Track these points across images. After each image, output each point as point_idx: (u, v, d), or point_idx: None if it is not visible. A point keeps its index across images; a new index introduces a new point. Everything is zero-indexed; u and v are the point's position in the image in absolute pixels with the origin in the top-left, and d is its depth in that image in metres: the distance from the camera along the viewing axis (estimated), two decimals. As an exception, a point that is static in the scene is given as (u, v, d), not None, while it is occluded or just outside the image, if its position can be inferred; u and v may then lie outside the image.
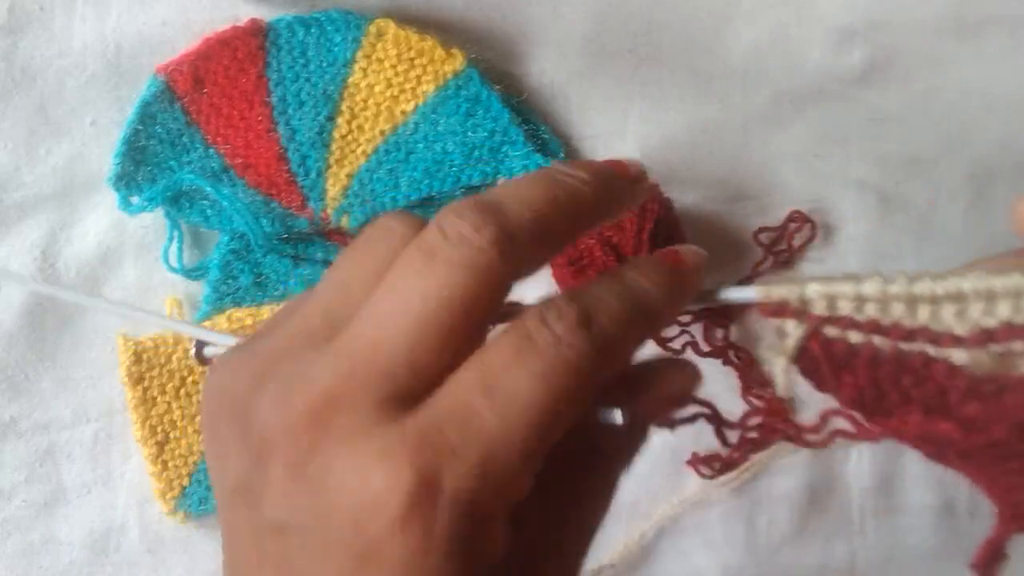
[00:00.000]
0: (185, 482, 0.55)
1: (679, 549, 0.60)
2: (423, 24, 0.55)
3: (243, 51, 0.53)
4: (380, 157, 0.55)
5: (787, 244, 0.59)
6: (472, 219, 0.27)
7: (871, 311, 0.32)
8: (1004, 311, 0.31)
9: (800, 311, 0.33)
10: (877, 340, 0.32)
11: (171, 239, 0.55)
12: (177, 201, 0.54)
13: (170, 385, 0.54)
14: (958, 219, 0.61)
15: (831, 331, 0.33)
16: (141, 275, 0.55)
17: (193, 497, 0.55)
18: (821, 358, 0.33)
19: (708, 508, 0.60)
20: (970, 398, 0.32)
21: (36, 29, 0.53)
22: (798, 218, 0.58)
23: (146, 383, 0.54)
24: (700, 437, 0.59)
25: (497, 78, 0.55)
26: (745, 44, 0.58)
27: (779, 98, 0.59)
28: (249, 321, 0.55)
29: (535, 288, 0.59)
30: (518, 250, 0.27)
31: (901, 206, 0.61)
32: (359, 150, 0.55)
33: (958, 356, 0.32)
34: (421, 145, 0.55)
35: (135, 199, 0.54)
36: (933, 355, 0.32)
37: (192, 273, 0.55)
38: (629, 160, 0.34)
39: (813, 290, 0.32)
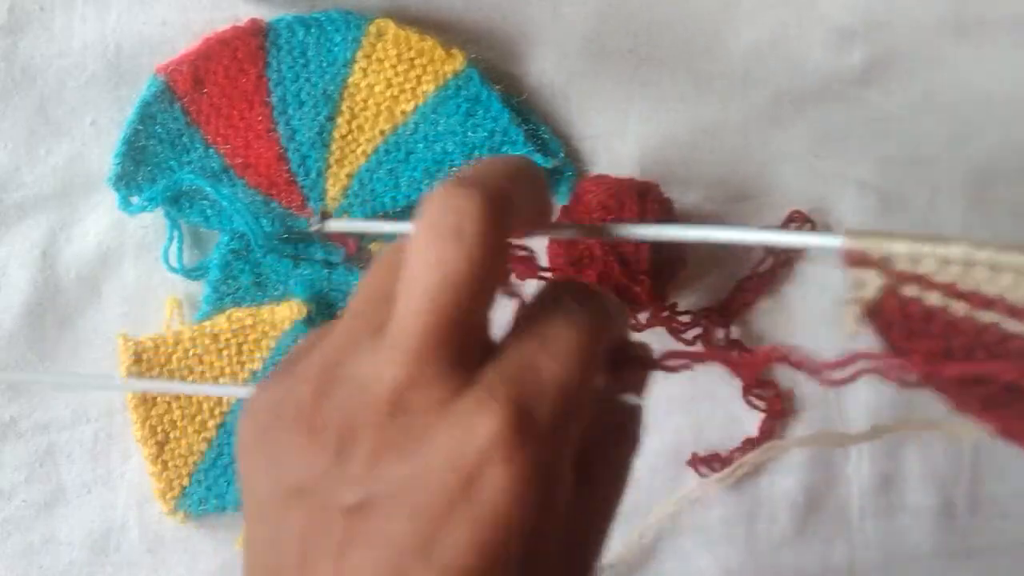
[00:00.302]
0: (185, 482, 0.55)
1: (679, 549, 0.60)
2: (423, 24, 0.55)
3: (243, 51, 0.53)
4: (380, 157, 0.55)
5: None
6: (459, 190, 0.30)
7: (953, 274, 0.31)
8: None
9: (883, 263, 0.32)
10: (954, 305, 0.31)
11: (171, 239, 0.55)
12: (177, 201, 0.54)
13: (170, 385, 0.55)
14: (958, 219, 0.61)
15: (910, 290, 0.32)
16: (141, 275, 0.55)
17: (193, 497, 0.55)
18: (897, 315, 0.32)
19: (708, 508, 0.60)
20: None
21: (36, 29, 0.53)
22: (798, 218, 0.58)
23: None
24: (700, 437, 0.59)
25: (497, 78, 0.55)
26: (745, 44, 0.58)
27: (779, 98, 0.59)
28: (249, 321, 0.55)
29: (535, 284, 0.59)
30: (506, 209, 0.30)
31: (901, 206, 0.61)
32: (359, 150, 0.55)
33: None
34: (421, 145, 0.55)
35: (135, 199, 0.54)
36: (1011, 330, 0.31)
37: (192, 273, 0.55)
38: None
39: (899, 246, 0.31)
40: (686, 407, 0.57)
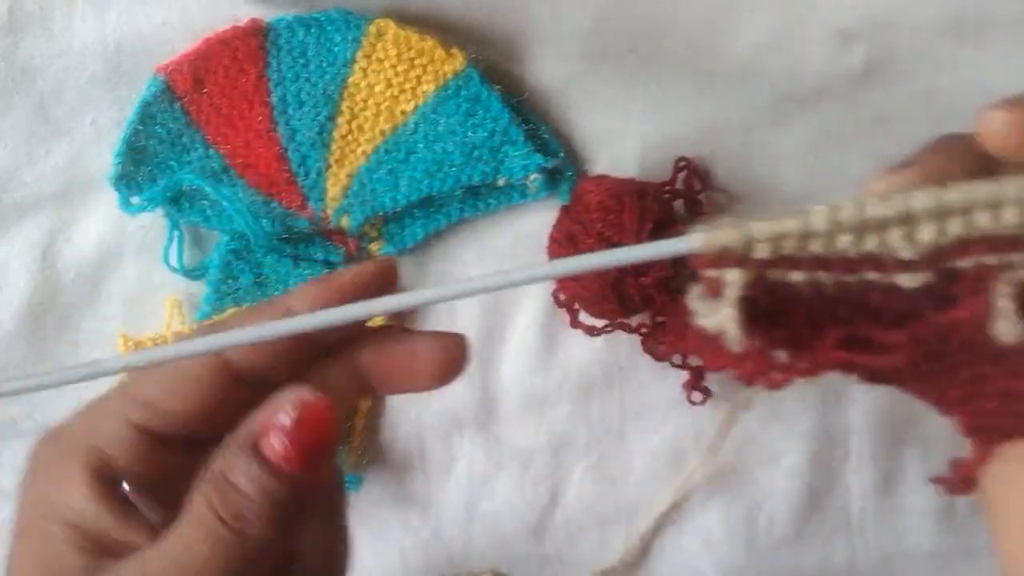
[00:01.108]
0: (185, 482, 0.55)
1: (679, 549, 0.60)
2: (423, 24, 0.55)
3: (243, 51, 0.53)
4: (380, 157, 0.55)
5: None
6: None
7: (816, 247, 0.30)
8: (955, 228, 0.30)
9: (742, 257, 0.30)
10: (821, 276, 0.31)
11: (171, 239, 0.55)
12: (177, 201, 0.54)
13: (170, 385, 0.54)
14: (958, 219, 0.61)
15: (773, 273, 0.31)
16: (141, 275, 0.55)
17: (193, 497, 0.55)
18: (763, 304, 0.31)
19: (708, 508, 0.60)
20: (905, 319, 0.31)
21: (36, 29, 0.53)
22: (685, 165, 0.57)
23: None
24: (700, 438, 0.59)
25: (497, 78, 0.55)
26: (745, 44, 0.58)
27: (779, 98, 0.59)
28: (249, 321, 0.55)
29: (537, 289, 0.59)
30: None
31: (901, 206, 0.61)
32: (359, 150, 0.55)
33: (904, 279, 0.31)
34: (421, 145, 0.55)
35: (135, 199, 0.54)
36: (874, 280, 0.31)
37: (192, 273, 0.55)
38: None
39: (759, 230, 0.30)
40: (685, 407, 0.57)
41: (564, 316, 0.57)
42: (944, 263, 0.30)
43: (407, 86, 0.54)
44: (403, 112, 0.54)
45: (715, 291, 0.31)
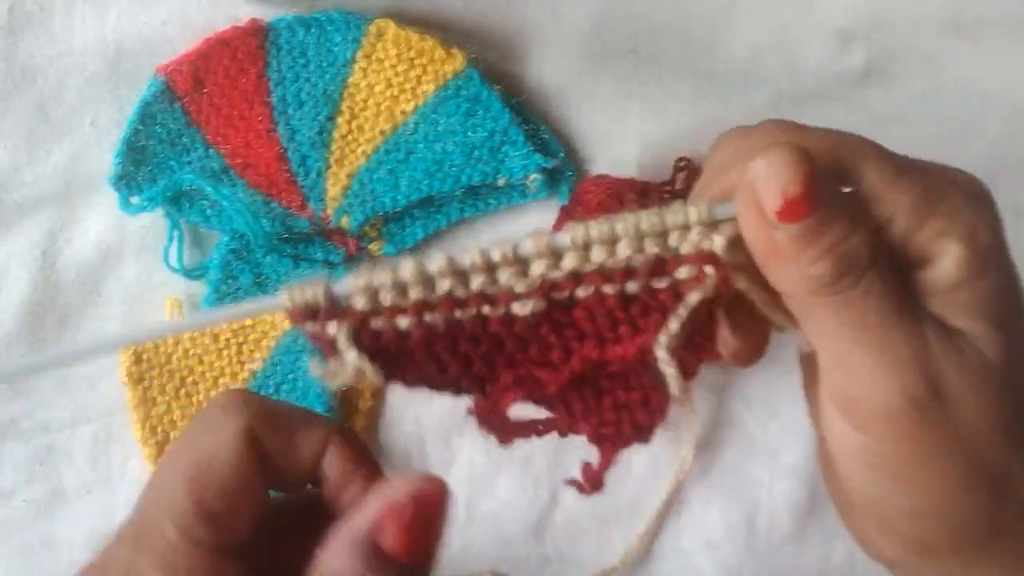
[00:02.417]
0: (185, 482, 0.55)
1: (679, 549, 0.60)
2: (423, 24, 0.55)
3: (243, 51, 0.53)
4: (380, 157, 0.55)
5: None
6: None
7: (416, 294, 0.33)
8: (569, 263, 0.34)
9: (338, 311, 0.33)
10: (429, 317, 0.33)
11: (171, 239, 0.55)
12: (177, 201, 0.54)
13: (170, 385, 0.55)
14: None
15: (377, 322, 0.33)
16: (141, 275, 0.55)
17: (193, 497, 0.55)
18: (375, 352, 0.33)
19: (708, 508, 0.60)
20: (528, 342, 0.35)
21: (36, 29, 0.53)
22: (685, 165, 0.57)
23: (146, 383, 0.54)
24: (699, 438, 0.59)
25: (497, 78, 0.55)
26: (745, 44, 0.58)
27: (779, 98, 0.59)
28: (249, 321, 0.55)
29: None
30: None
31: (901, 206, 0.61)
32: (359, 150, 0.55)
33: (519, 307, 0.34)
34: (421, 145, 0.55)
35: (135, 199, 0.54)
36: (489, 314, 0.34)
37: (192, 273, 0.55)
38: None
39: (345, 287, 0.33)
40: (685, 407, 0.57)
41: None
42: (557, 293, 0.34)
43: (407, 86, 0.54)
44: (403, 112, 0.54)
45: (330, 347, 0.33)
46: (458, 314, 0.34)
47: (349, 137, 0.55)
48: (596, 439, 0.37)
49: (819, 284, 0.31)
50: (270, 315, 0.55)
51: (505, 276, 0.34)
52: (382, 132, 0.55)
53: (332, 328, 0.33)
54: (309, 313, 0.33)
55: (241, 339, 0.55)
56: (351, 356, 0.33)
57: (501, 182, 0.55)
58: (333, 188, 0.55)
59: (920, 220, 0.32)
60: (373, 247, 0.57)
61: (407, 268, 0.33)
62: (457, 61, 0.54)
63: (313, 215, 0.55)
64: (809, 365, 0.36)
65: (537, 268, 0.34)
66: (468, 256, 0.33)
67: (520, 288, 0.34)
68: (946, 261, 0.32)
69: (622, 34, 0.57)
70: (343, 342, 0.33)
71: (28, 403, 0.55)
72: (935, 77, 0.60)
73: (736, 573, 0.60)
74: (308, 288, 0.33)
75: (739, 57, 0.58)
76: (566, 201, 0.56)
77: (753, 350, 0.37)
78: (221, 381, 0.55)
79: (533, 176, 0.55)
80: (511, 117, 0.55)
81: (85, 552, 0.56)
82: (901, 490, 0.33)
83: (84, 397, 0.55)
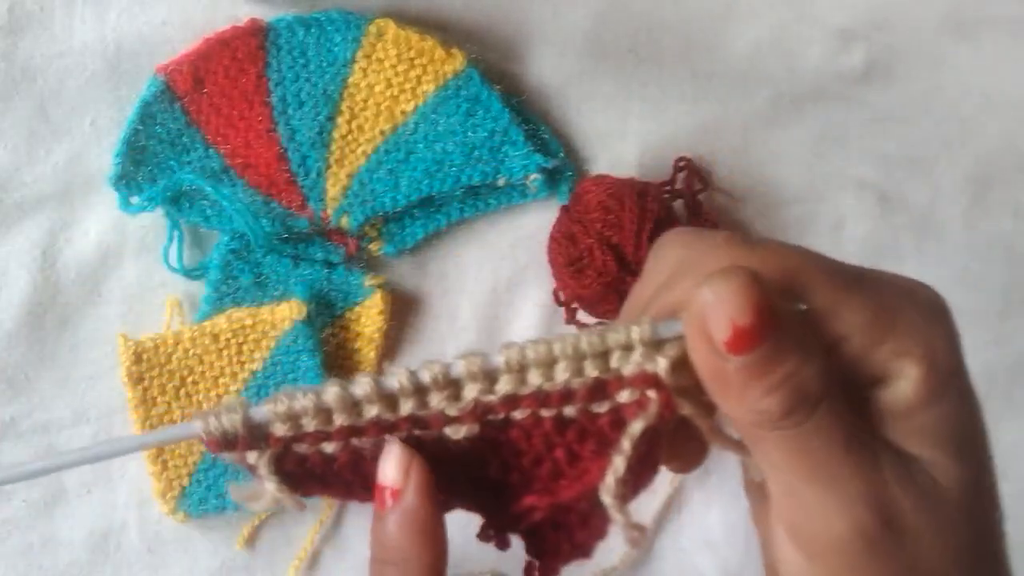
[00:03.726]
0: (185, 482, 0.55)
1: (679, 549, 0.60)
2: (423, 24, 0.55)
3: (243, 51, 0.53)
4: (380, 157, 0.55)
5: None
6: None
7: (341, 420, 0.32)
8: (504, 387, 0.32)
9: (258, 438, 0.32)
10: (357, 442, 0.32)
11: (171, 239, 0.55)
12: (177, 201, 0.54)
13: (170, 385, 0.54)
14: (958, 219, 0.61)
15: (301, 447, 0.32)
16: (141, 275, 0.55)
17: (193, 497, 0.55)
18: (299, 477, 0.32)
19: (708, 508, 0.60)
20: (464, 460, 0.34)
21: (36, 29, 0.53)
22: (685, 165, 0.57)
23: (146, 383, 0.54)
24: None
25: (497, 78, 0.55)
26: (745, 44, 0.58)
27: (779, 98, 0.59)
28: (249, 321, 0.55)
29: (537, 289, 0.59)
30: None
31: (901, 206, 0.61)
32: (359, 150, 0.55)
33: (452, 432, 0.33)
34: (421, 145, 0.55)
35: (135, 199, 0.54)
36: (421, 436, 0.33)
37: (192, 273, 0.55)
38: None
39: (264, 414, 0.31)
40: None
41: (563, 317, 0.57)
42: (492, 415, 0.33)
43: (407, 86, 0.54)
44: (403, 112, 0.54)
45: (252, 471, 0.32)
46: (387, 438, 0.33)
47: (349, 137, 0.55)
48: (535, 554, 0.36)
49: (769, 418, 0.30)
50: (270, 326, 0.55)
51: (436, 400, 0.32)
52: (382, 132, 0.55)
53: (253, 457, 0.32)
54: (226, 442, 0.31)
55: (241, 339, 0.55)
56: (271, 487, 0.32)
57: (501, 182, 0.55)
58: (333, 188, 0.55)
59: (876, 339, 0.31)
60: (373, 247, 0.57)
61: (330, 394, 0.31)
62: (457, 61, 0.54)
63: (313, 215, 0.55)
64: (756, 490, 0.35)
65: (470, 392, 0.32)
66: (396, 379, 0.32)
67: (453, 412, 0.32)
68: (903, 383, 0.31)
69: (622, 34, 0.57)
70: (264, 471, 0.32)
71: (28, 403, 0.55)
72: (935, 77, 0.60)
73: (736, 573, 0.60)
74: (224, 416, 0.31)
75: (739, 57, 0.58)
76: (566, 201, 0.56)
77: (694, 461, 0.36)
78: (221, 381, 0.55)
79: (533, 176, 0.55)
80: (511, 117, 0.55)
81: (85, 552, 0.56)
82: None
83: (84, 397, 0.55)
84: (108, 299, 0.55)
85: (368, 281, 0.57)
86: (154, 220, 0.55)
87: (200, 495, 0.55)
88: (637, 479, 0.33)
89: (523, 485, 0.34)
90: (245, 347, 0.55)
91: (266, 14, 0.54)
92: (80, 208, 0.55)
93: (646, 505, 0.59)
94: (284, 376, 0.55)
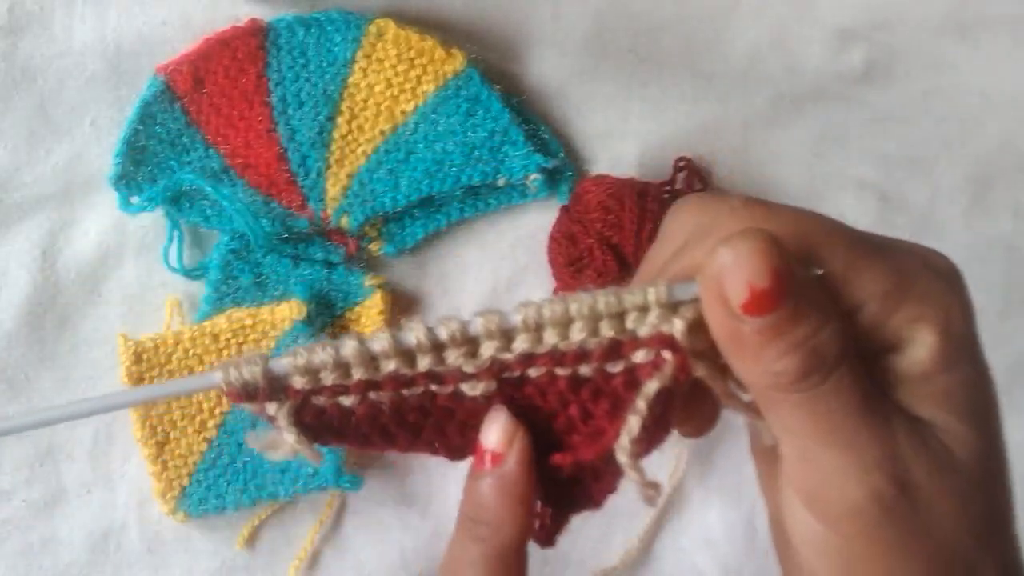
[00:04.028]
0: (185, 482, 0.55)
1: (679, 549, 0.60)
2: (423, 24, 0.55)
3: (243, 51, 0.53)
4: (380, 157, 0.55)
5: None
6: None
7: (359, 374, 0.32)
8: (520, 345, 0.32)
9: (278, 391, 0.32)
10: (374, 395, 0.33)
11: (171, 239, 0.55)
12: (177, 201, 0.54)
13: (170, 385, 0.54)
14: (958, 219, 0.61)
15: (320, 399, 0.32)
16: (141, 275, 0.55)
17: (193, 497, 0.55)
18: (317, 428, 0.33)
19: (708, 508, 0.60)
20: (479, 414, 0.34)
21: (36, 29, 0.53)
22: (685, 165, 0.57)
23: (146, 383, 0.54)
24: (700, 439, 0.59)
25: (497, 78, 0.55)
26: (745, 44, 0.58)
27: (779, 98, 0.59)
28: (249, 321, 0.55)
29: (537, 289, 0.59)
30: None
31: (901, 206, 0.61)
32: (359, 150, 0.55)
33: (468, 388, 0.33)
34: (421, 145, 0.55)
35: (135, 199, 0.54)
36: (437, 391, 0.33)
37: (192, 273, 0.55)
38: None
39: (284, 367, 0.32)
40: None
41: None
42: (508, 373, 0.33)
43: (407, 86, 0.54)
44: (403, 112, 0.54)
45: (271, 422, 0.32)
46: (405, 392, 0.33)
47: (349, 137, 0.55)
48: (548, 503, 0.36)
49: (785, 380, 0.30)
50: (270, 326, 0.55)
51: (453, 356, 0.33)
52: (382, 132, 0.55)
53: (272, 409, 0.32)
54: (247, 393, 0.32)
55: (241, 339, 0.55)
56: (290, 438, 0.32)
57: (501, 182, 0.55)
58: (333, 188, 0.55)
59: (892, 305, 0.31)
60: (373, 247, 0.57)
61: (349, 348, 0.32)
62: (457, 61, 0.54)
63: (313, 215, 0.55)
64: (765, 456, 0.35)
65: (487, 350, 0.33)
66: (413, 335, 0.32)
67: (469, 368, 0.33)
68: (918, 349, 0.31)
69: (622, 34, 0.57)
70: (283, 423, 0.32)
71: (28, 403, 0.55)
72: (935, 77, 0.60)
73: (736, 573, 0.60)
74: (245, 368, 0.31)
75: (739, 57, 0.58)
76: (566, 201, 0.56)
77: (705, 425, 0.36)
78: (221, 381, 0.55)
79: (533, 176, 0.55)
80: (511, 117, 0.55)
81: (85, 552, 0.56)
82: None
83: (84, 397, 0.55)
84: (108, 299, 0.55)
85: (368, 281, 0.57)
86: (154, 220, 0.55)
87: (200, 495, 0.55)
88: (650, 439, 0.33)
89: (538, 438, 0.34)
90: (245, 347, 0.55)
91: (266, 14, 0.54)
92: (80, 208, 0.55)
93: (646, 506, 0.59)
94: (284, 376, 0.55)
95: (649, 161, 0.58)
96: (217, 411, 0.55)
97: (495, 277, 0.58)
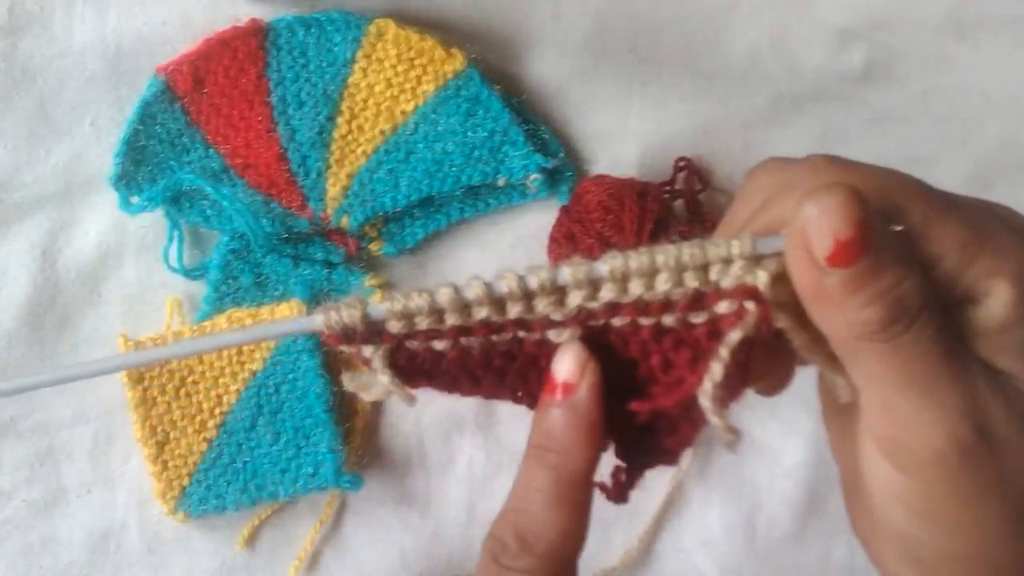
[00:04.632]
0: (185, 482, 0.55)
1: (679, 549, 0.60)
2: (423, 24, 0.55)
3: (243, 51, 0.53)
4: (380, 157, 0.55)
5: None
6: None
7: (452, 320, 0.33)
8: (607, 295, 0.33)
9: (374, 334, 0.33)
10: (465, 341, 0.34)
11: (171, 239, 0.55)
12: (177, 201, 0.54)
13: (170, 385, 0.55)
14: (958, 219, 0.61)
15: (413, 343, 0.34)
16: (141, 275, 0.55)
17: (193, 497, 0.55)
18: (409, 371, 0.34)
19: (708, 508, 0.60)
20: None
21: (36, 29, 0.53)
22: (685, 165, 0.57)
23: (146, 383, 0.54)
24: (699, 438, 0.59)
25: (497, 78, 0.55)
26: (745, 44, 0.58)
27: (779, 98, 0.59)
28: (249, 321, 0.55)
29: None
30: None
31: (901, 206, 0.61)
32: (359, 150, 0.55)
33: (555, 335, 0.34)
34: (421, 145, 0.55)
35: (135, 199, 0.54)
36: (524, 337, 0.34)
37: (192, 273, 0.55)
38: None
39: (381, 311, 0.33)
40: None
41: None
42: (593, 321, 0.34)
43: (407, 86, 0.54)
44: (403, 112, 0.54)
45: (366, 364, 0.34)
46: (494, 338, 0.34)
47: (349, 137, 0.55)
48: (623, 456, 0.37)
49: (869, 330, 0.31)
50: (270, 317, 0.55)
51: (542, 305, 0.33)
52: (382, 132, 0.55)
53: (368, 351, 0.33)
54: (344, 336, 0.33)
55: (241, 339, 0.55)
56: (384, 379, 0.34)
57: (501, 182, 0.55)
58: (333, 188, 0.55)
59: (969, 259, 0.32)
60: (373, 247, 0.57)
61: (444, 295, 0.33)
62: (457, 61, 0.54)
63: (313, 215, 0.55)
64: (839, 413, 0.36)
65: (575, 299, 0.33)
66: (504, 283, 0.33)
67: (556, 316, 0.34)
68: (995, 302, 0.32)
69: (622, 34, 0.57)
70: (378, 364, 0.34)
71: (28, 403, 0.55)
72: (935, 77, 0.60)
73: (736, 573, 0.60)
74: (344, 311, 0.33)
75: (739, 57, 0.58)
76: (566, 201, 0.56)
77: (780, 382, 0.37)
78: (221, 381, 0.55)
79: (533, 176, 0.55)
80: (511, 117, 0.55)
81: (85, 552, 0.56)
82: (943, 533, 0.32)
83: (84, 397, 0.55)
84: (108, 299, 0.55)
85: (368, 281, 0.57)
86: (154, 220, 0.55)
87: (200, 495, 0.55)
88: (731, 390, 0.33)
89: (618, 388, 0.35)
90: (245, 347, 0.55)
91: (266, 14, 0.54)
92: (80, 208, 0.55)
93: (646, 505, 0.59)
94: (284, 376, 0.55)
95: (649, 161, 0.58)
96: (217, 411, 0.55)
97: (495, 277, 0.58)
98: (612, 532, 0.59)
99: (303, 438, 0.55)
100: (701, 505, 0.59)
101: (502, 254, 0.58)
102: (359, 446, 0.57)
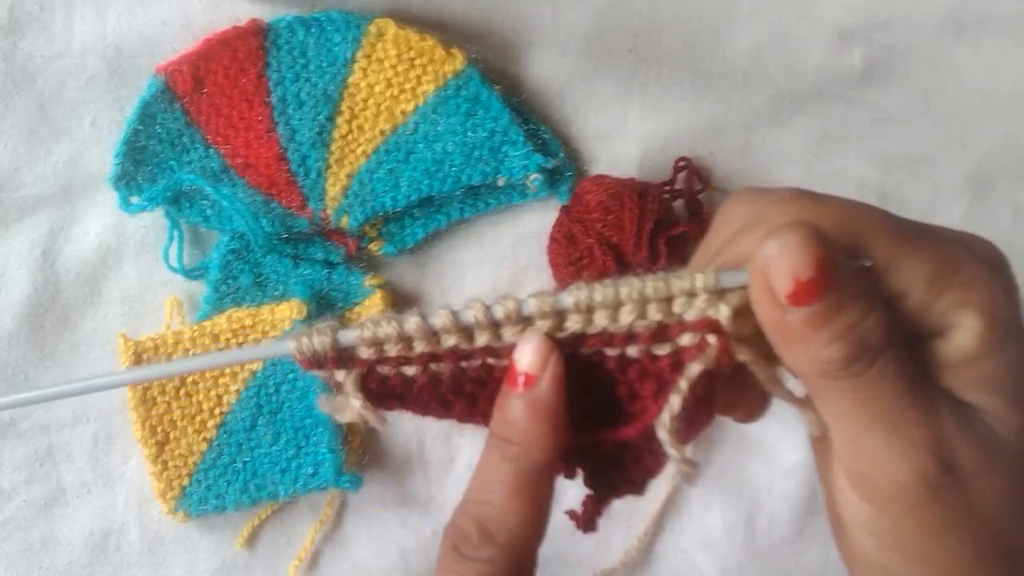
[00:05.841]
0: (185, 482, 0.55)
1: (679, 549, 0.60)
2: (423, 24, 0.55)
3: (243, 51, 0.53)
4: (380, 157, 0.55)
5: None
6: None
7: (421, 347, 0.34)
8: (572, 326, 0.34)
9: (345, 359, 0.34)
10: (435, 367, 0.35)
11: (171, 239, 0.55)
12: (177, 201, 0.54)
13: (170, 385, 0.55)
14: (958, 219, 0.61)
15: (384, 368, 0.35)
16: (141, 275, 0.55)
17: (193, 497, 0.55)
18: (382, 395, 0.35)
19: (708, 508, 0.60)
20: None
21: (36, 29, 0.53)
22: (685, 165, 0.57)
23: (146, 383, 0.54)
24: (700, 438, 0.59)
25: (497, 78, 0.55)
26: (745, 44, 0.58)
27: (779, 98, 0.59)
28: (249, 321, 0.55)
29: (537, 289, 0.59)
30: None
31: (901, 206, 0.61)
32: (359, 150, 0.55)
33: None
34: (421, 145, 0.55)
35: (135, 199, 0.54)
36: (494, 364, 0.35)
37: (192, 273, 0.55)
38: None
39: (351, 338, 0.34)
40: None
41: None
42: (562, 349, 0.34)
43: (407, 86, 0.54)
44: (403, 112, 0.54)
45: (339, 388, 0.35)
46: (463, 364, 0.35)
47: (349, 137, 0.55)
48: (591, 485, 0.37)
49: (832, 367, 0.31)
50: (270, 326, 0.55)
51: (509, 333, 0.34)
52: (382, 132, 0.55)
53: (340, 375, 0.34)
54: (316, 361, 0.34)
55: (241, 339, 0.55)
56: (356, 403, 0.35)
57: (501, 182, 0.55)
58: (333, 188, 0.55)
59: (937, 292, 0.32)
60: (373, 247, 0.57)
61: (412, 324, 0.34)
62: (457, 61, 0.54)
63: (313, 215, 0.55)
64: (819, 440, 0.36)
65: (541, 328, 0.34)
66: (472, 313, 0.34)
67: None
68: (962, 334, 0.32)
69: (622, 34, 0.57)
70: (350, 389, 0.35)
71: (28, 403, 0.55)
72: (935, 77, 0.60)
73: (736, 573, 0.60)
74: (315, 337, 0.34)
75: (739, 57, 0.58)
76: (566, 201, 0.56)
77: (755, 410, 0.37)
78: (221, 381, 0.55)
79: (533, 176, 0.55)
80: (511, 117, 0.55)
81: (85, 552, 0.56)
82: (912, 565, 0.33)
83: (84, 397, 0.55)
84: (108, 299, 0.55)
85: (368, 281, 0.57)
86: (154, 220, 0.55)
87: (200, 495, 0.55)
88: (692, 422, 0.34)
89: (585, 418, 0.35)
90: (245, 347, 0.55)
91: (266, 14, 0.54)
92: (80, 208, 0.55)
93: (646, 505, 0.59)
94: (284, 376, 0.55)
95: (649, 161, 0.58)
96: (217, 411, 0.55)
97: (495, 277, 0.58)
98: (612, 532, 0.59)
99: (303, 438, 0.55)
100: (701, 505, 0.59)
101: (502, 254, 0.58)
102: (359, 446, 0.57)
